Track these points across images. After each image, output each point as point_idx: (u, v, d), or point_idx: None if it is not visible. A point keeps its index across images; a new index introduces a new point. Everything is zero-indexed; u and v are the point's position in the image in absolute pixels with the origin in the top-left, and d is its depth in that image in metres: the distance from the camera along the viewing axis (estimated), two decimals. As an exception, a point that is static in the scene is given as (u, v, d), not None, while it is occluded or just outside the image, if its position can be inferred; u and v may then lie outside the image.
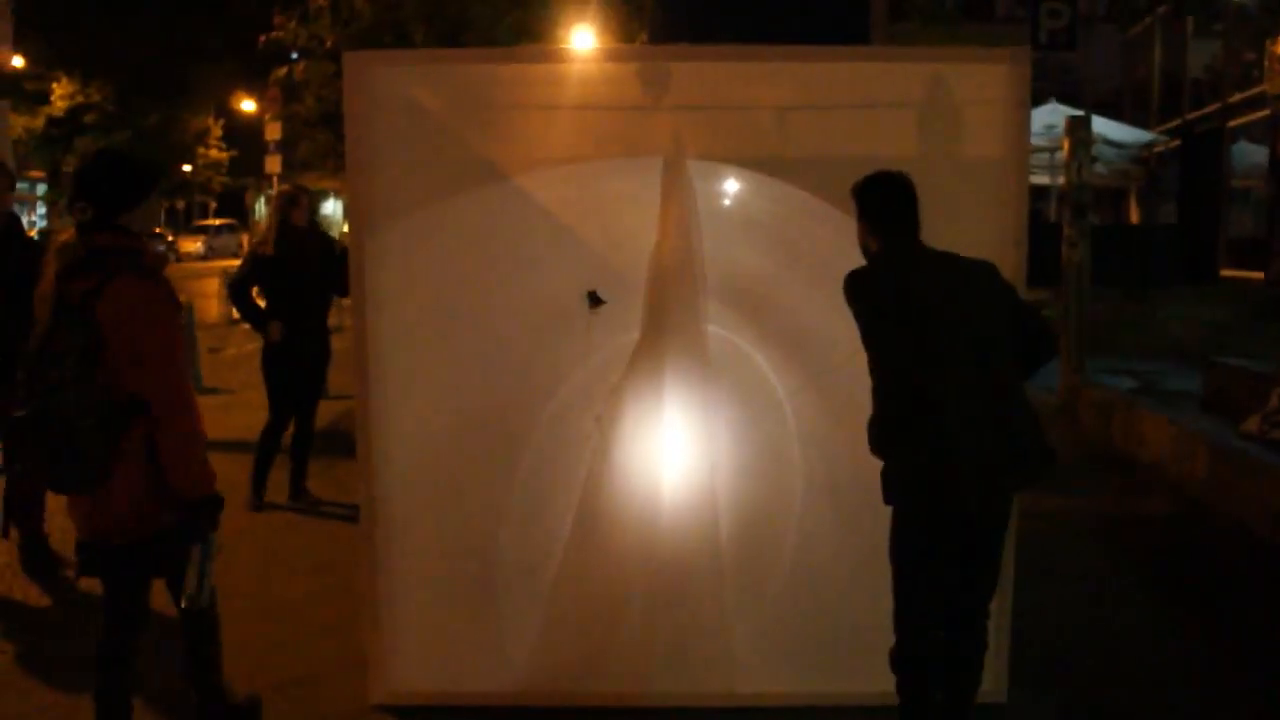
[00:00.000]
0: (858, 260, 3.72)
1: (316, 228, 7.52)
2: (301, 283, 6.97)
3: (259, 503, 7.01)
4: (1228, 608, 5.64)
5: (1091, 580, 6.02)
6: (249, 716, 4.16)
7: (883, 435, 3.51)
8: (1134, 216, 27.83)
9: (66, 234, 3.59)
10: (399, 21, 15.46)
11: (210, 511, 3.55)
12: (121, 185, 3.62)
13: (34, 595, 5.69)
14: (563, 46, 14.05)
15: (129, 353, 3.39)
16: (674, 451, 4.31)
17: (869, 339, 3.52)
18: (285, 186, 7.61)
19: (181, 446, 3.49)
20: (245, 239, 50.76)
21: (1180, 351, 12.12)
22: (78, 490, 3.46)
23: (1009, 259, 4.05)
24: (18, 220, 5.95)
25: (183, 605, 3.64)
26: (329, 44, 15.55)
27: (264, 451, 7.09)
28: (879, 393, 3.51)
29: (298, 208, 7.07)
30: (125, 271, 3.46)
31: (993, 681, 4.21)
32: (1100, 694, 4.61)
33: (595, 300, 4.31)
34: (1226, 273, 22.03)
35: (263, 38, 16.12)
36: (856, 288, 3.56)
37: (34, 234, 38.37)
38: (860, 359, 3.58)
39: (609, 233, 4.38)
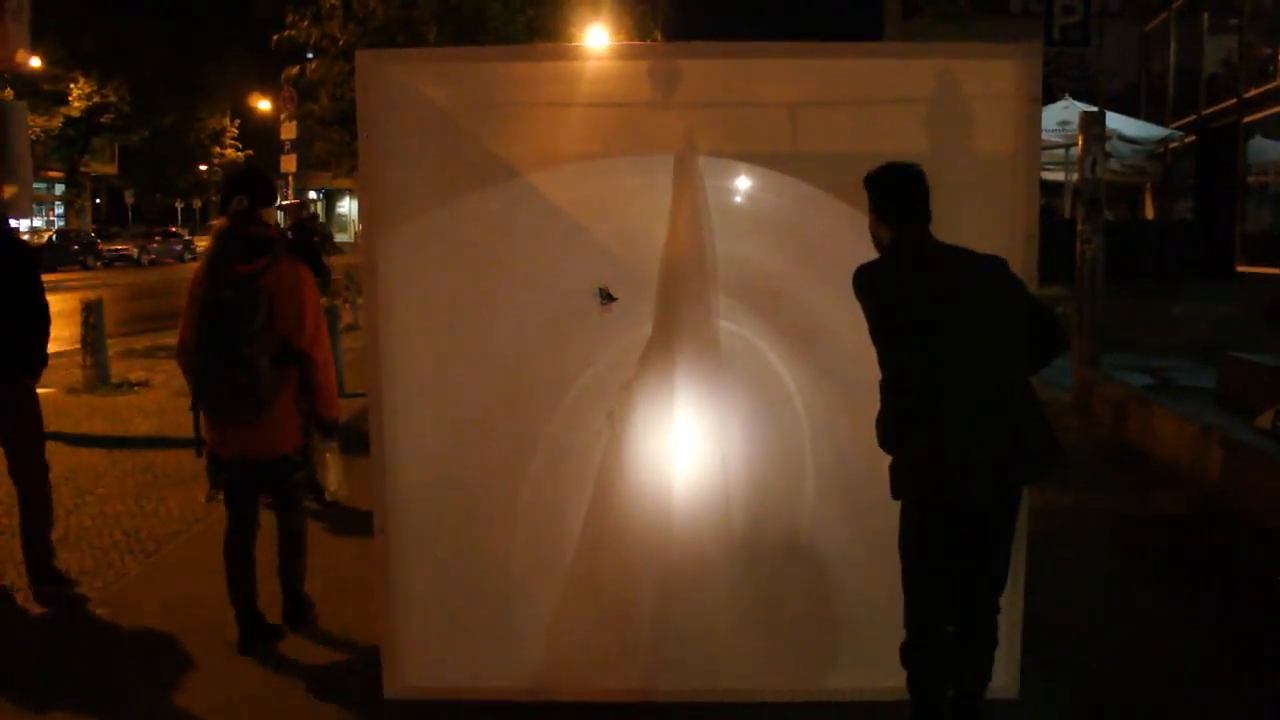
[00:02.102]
0: (868, 254, 3.72)
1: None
2: None
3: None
4: (1242, 603, 5.62)
5: (1105, 576, 6.01)
6: (309, 610, 5.17)
7: (890, 430, 3.52)
8: (1149, 212, 27.71)
9: (220, 222, 4.66)
10: (412, 20, 15.47)
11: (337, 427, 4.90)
12: (265, 187, 4.81)
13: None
14: (575, 45, 14.05)
15: (288, 313, 4.55)
16: (686, 447, 4.32)
17: (877, 333, 3.52)
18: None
19: (328, 380, 4.75)
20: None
21: (1195, 347, 12.08)
22: (251, 414, 4.56)
23: (1019, 254, 4.06)
24: (6, 221, 5.83)
25: (327, 499, 5.45)
26: (342, 43, 15.54)
27: None
28: (887, 387, 3.52)
29: None
30: (282, 255, 4.64)
31: (1004, 677, 4.22)
32: (1113, 690, 4.60)
33: (607, 297, 4.32)
34: (1242, 268, 21.93)
35: (275, 36, 16.12)
36: (865, 282, 3.57)
37: (50, 235, 38.24)
38: (871, 353, 3.58)
39: (621, 229, 4.39)
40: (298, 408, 4.73)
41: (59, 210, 48.33)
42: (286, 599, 5.08)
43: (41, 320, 5.59)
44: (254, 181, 4.79)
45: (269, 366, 4.51)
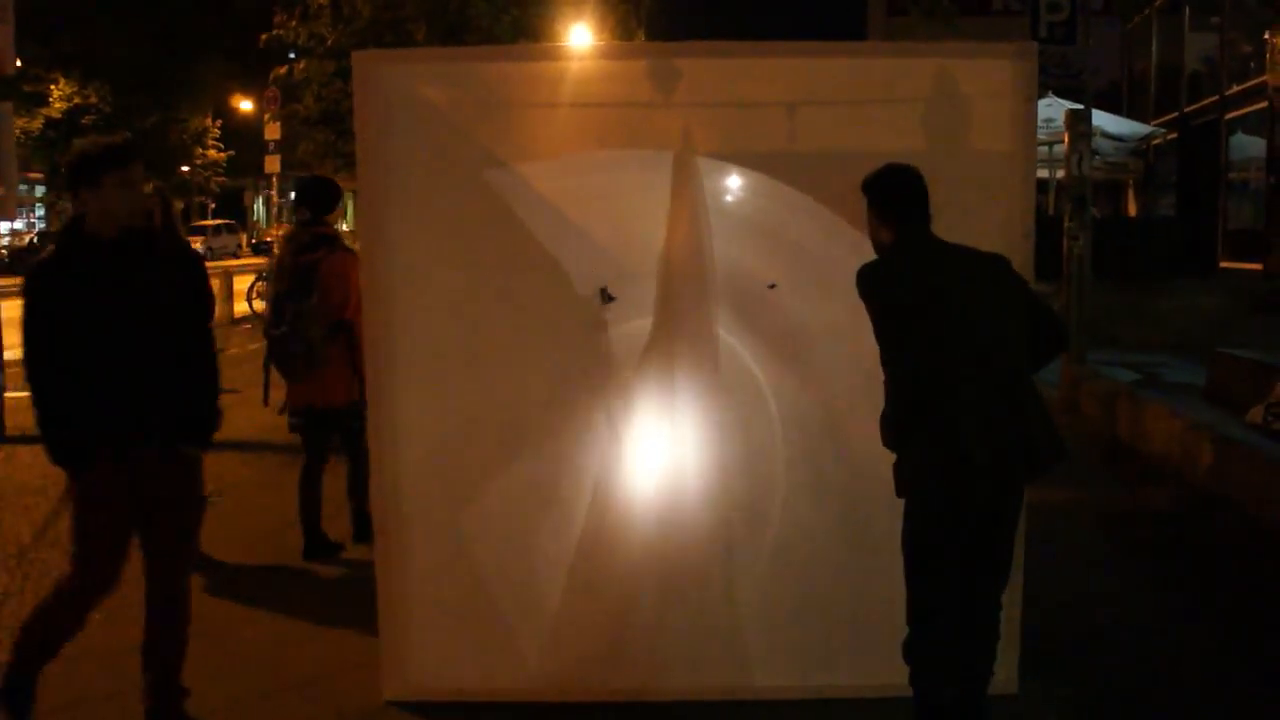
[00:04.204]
0: (866, 255, 3.74)
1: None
2: None
3: None
4: (1235, 597, 5.66)
5: (1099, 571, 6.05)
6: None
7: (896, 429, 3.53)
8: (1132, 209, 27.89)
9: (286, 229, 5.98)
10: (399, 20, 15.49)
11: None
12: (325, 196, 6.13)
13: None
14: (565, 45, 14.08)
15: (336, 292, 5.77)
16: (684, 447, 4.32)
17: (882, 332, 3.54)
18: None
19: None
20: (244, 239, 50.57)
21: (1180, 343, 12.16)
22: (305, 373, 5.82)
23: (1017, 251, 4.07)
24: (172, 219, 5.27)
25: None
26: (330, 42, 15.56)
27: None
28: (892, 387, 3.53)
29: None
30: (335, 249, 5.93)
31: (1004, 673, 4.23)
32: (1110, 685, 4.62)
33: (606, 297, 4.33)
34: (1225, 264, 22.08)
35: (264, 36, 16.13)
36: (869, 283, 3.58)
37: (32, 237, 37.42)
38: (868, 352, 3.60)
39: (619, 228, 4.39)
40: (349, 368, 5.79)
41: (40, 212, 48.02)
42: (355, 517, 6.19)
43: (211, 362, 4.23)
44: (313, 195, 6.10)
45: (321, 335, 5.74)
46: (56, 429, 3.90)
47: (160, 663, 4.05)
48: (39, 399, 3.90)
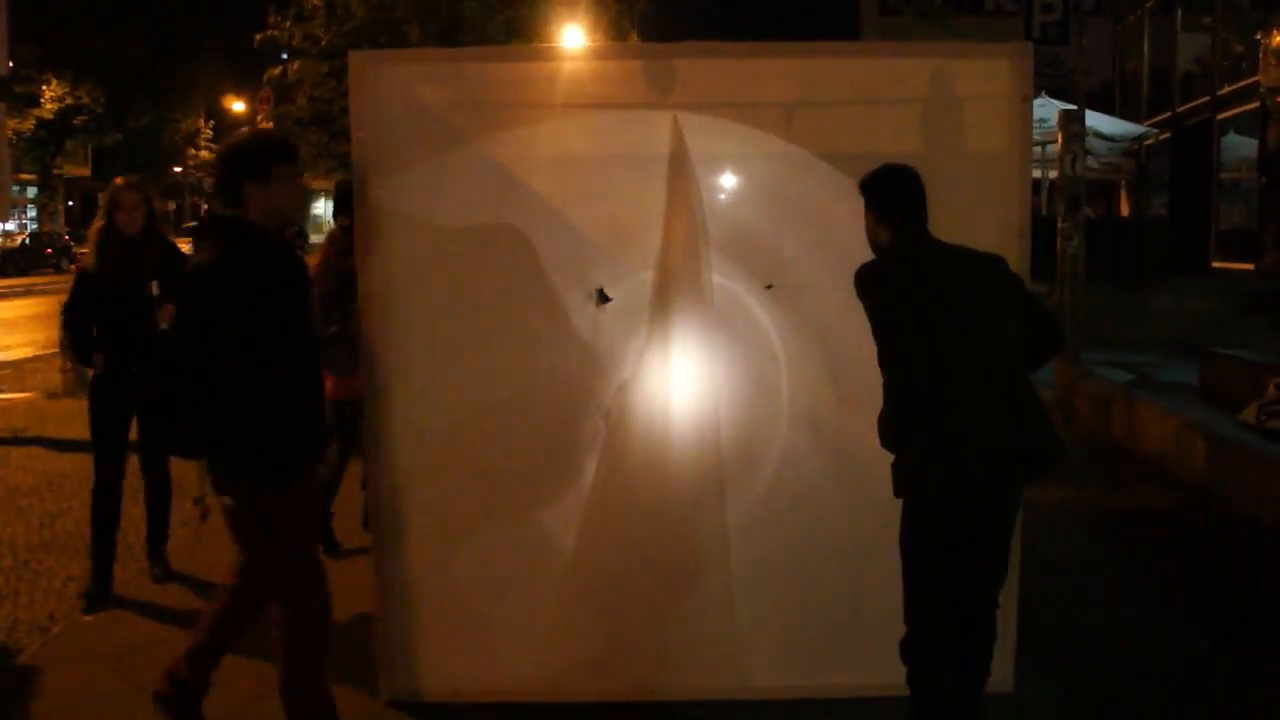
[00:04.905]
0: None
1: (155, 234, 5.80)
2: (131, 302, 5.55)
3: (98, 594, 5.68)
4: (1230, 595, 5.67)
5: (1094, 570, 6.06)
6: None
7: (894, 429, 3.53)
8: (1124, 209, 27.94)
9: (333, 232, 6.30)
10: (393, 20, 15.50)
11: None
12: None
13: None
14: (558, 45, 14.09)
15: None
16: (682, 449, 4.31)
17: (881, 333, 3.53)
18: (116, 181, 5.84)
19: None
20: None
21: (1172, 343, 12.18)
22: (355, 369, 5.01)
23: (1012, 251, 4.08)
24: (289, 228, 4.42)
25: None
26: (323, 43, 15.56)
27: (95, 522, 5.77)
28: (891, 386, 3.53)
29: (122, 209, 5.60)
30: None
31: (1000, 671, 4.24)
32: (1106, 683, 4.63)
33: (603, 298, 4.33)
34: (1217, 264, 22.11)
35: (257, 36, 16.12)
36: (867, 283, 3.58)
37: (24, 238, 37.21)
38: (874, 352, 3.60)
39: (616, 229, 4.40)
40: None
41: (31, 213, 47.90)
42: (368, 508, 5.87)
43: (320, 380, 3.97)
44: (350, 201, 5.59)
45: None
46: (268, 446, 3.57)
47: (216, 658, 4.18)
48: (241, 416, 3.52)
